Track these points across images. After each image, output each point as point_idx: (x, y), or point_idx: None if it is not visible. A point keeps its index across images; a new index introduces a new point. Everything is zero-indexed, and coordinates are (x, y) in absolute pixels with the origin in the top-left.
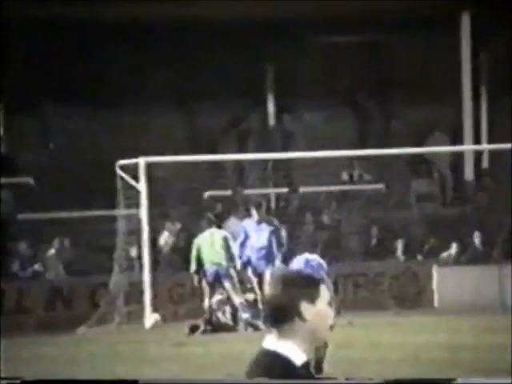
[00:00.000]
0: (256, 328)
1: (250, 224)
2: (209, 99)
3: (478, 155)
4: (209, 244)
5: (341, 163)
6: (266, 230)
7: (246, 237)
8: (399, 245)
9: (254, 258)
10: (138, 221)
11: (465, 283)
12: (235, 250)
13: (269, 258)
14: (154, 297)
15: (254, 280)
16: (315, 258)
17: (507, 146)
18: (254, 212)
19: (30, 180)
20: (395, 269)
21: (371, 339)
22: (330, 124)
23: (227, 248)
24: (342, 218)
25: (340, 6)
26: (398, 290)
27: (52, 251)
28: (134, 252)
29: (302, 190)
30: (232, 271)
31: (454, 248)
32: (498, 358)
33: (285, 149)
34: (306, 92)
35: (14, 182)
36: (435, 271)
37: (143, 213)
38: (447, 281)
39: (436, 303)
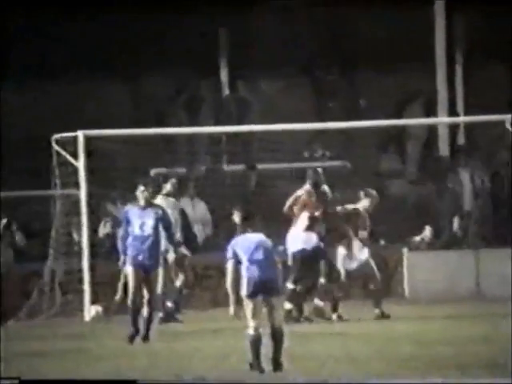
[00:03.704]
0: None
1: (133, 210)
2: (155, 67)
3: (453, 129)
4: None
5: (301, 138)
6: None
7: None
8: None
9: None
10: (77, 201)
11: (438, 270)
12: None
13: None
14: (95, 286)
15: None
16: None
17: (486, 118)
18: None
19: None
20: None
21: (334, 332)
22: (289, 94)
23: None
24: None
25: None
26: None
27: None
28: (73, 236)
29: (260, 166)
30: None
31: (427, 231)
32: (475, 351)
33: (240, 121)
34: (263, 59)
35: None
36: (406, 257)
37: (82, 193)
38: (419, 267)
39: (407, 292)
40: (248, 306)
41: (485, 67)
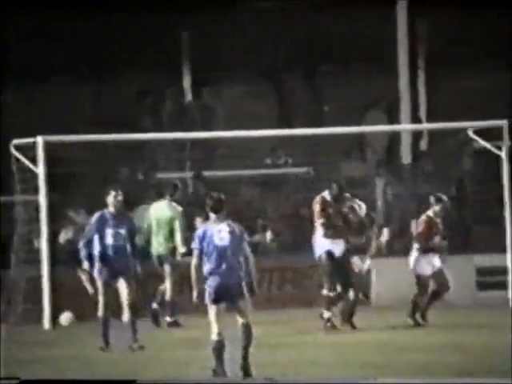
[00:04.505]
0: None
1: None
2: (118, 72)
3: (416, 135)
4: None
5: (265, 144)
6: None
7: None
8: None
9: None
10: (37, 208)
11: (401, 275)
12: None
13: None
14: (61, 293)
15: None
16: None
17: (448, 125)
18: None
19: None
20: None
21: (299, 339)
22: (252, 100)
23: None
24: (267, 204)
25: None
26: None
27: None
28: (34, 243)
29: (223, 173)
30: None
31: (385, 235)
32: (440, 358)
33: (204, 127)
34: (226, 64)
35: None
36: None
37: (41, 199)
38: (382, 273)
39: (373, 298)
40: (211, 311)
41: (447, 73)
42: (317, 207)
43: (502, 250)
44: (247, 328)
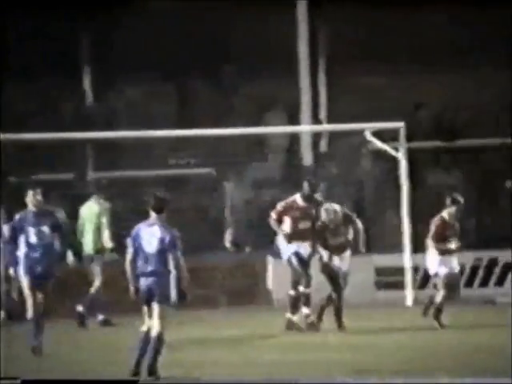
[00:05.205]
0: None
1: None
2: (14, 75)
3: (316, 137)
4: None
5: (167, 145)
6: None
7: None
8: (228, 235)
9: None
10: None
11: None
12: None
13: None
14: None
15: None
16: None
17: (347, 126)
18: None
19: None
20: (228, 261)
21: (201, 339)
22: (154, 101)
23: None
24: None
25: None
26: (231, 285)
27: None
28: None
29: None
30: None
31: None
32: (342, 356)
33: (106, 128)
34: (127, 65)
35: None
36: (271, 263)
37: None
38: (283, 273)
39: (274, 299)
40: (143, 309)
41: (348, 74)
42: (278, 212)
43: (400, 250)
44: (158, 338)
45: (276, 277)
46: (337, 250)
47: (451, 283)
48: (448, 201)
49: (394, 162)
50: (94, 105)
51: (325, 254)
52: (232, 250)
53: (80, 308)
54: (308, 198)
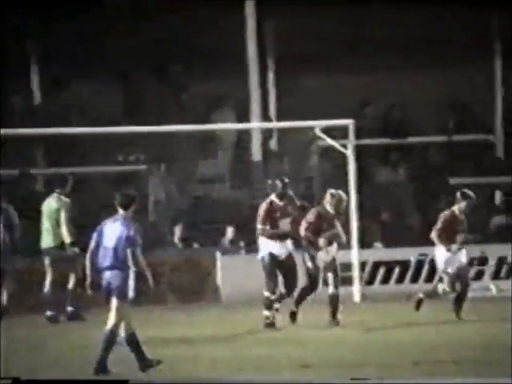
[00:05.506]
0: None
1: None
2: None
3: (267, 133)
4: None
5: (116, 141)
6: None
7: None
8: (177, 231)
9: None
10: None
11: (250, 273)
12: None
13: None
14: None
15: None
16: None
17: (296, 123)
18: None
19: None
20: (176, 257)
21: (146, 336)
22: (103, 97)
23: None
24: None
25: None
26: (179, 281)
27: None
28: None
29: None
30: None
31: (229, 233)
32: (286, 352)
33: (56, 125)
34: (75, 62)
35: None
36: (219, 260)
37: None
38: (232, 270)
39: (223, 296)
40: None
41: (297, 72)
42: (262, 213)
43: (348, 246)
44: (111, 332)
45: (224, 273)
46: (327, 242)
47: (461, 276)
48: (458, 195)
49: (343, 158)
50: (42, 102)
51: (311, 249)
52: (180, 247)
53: (48, 313)
54: (283, 196)
